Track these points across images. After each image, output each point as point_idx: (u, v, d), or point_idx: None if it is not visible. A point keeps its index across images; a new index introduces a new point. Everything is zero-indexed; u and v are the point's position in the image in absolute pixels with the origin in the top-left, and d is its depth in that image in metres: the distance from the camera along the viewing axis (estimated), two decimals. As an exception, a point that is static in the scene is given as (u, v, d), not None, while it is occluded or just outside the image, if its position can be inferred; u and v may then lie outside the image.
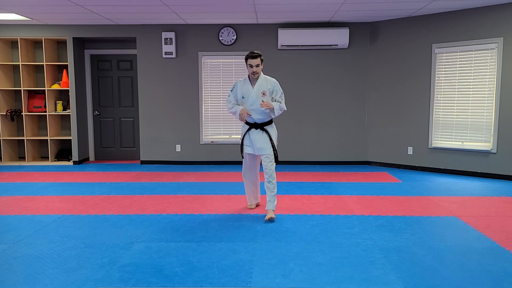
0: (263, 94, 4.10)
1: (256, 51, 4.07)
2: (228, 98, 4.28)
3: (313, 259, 3.15)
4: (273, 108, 4.06)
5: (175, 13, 6.22)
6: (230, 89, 4.27)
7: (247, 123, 4.21)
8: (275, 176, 4.17)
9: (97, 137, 7.87)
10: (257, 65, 4.04)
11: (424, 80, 6.51)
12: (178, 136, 7.37)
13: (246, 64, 4.09)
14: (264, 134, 4.15)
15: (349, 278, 2.84)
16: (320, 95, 7.18)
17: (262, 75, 4.17)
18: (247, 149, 4.23)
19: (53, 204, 4.73)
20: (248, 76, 4.17)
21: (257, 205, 4.60)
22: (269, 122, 4.20)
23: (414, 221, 4.06)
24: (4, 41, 7.29)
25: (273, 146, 4.14)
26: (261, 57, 4.08)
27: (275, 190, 4.17)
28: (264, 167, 4.16)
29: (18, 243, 3.50)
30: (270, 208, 4.15)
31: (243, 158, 4.33)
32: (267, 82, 4.15)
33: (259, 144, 4.13)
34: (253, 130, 4.17)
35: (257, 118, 4.14)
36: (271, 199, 4.16)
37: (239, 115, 4.13)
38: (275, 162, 4.17)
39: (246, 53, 3.93)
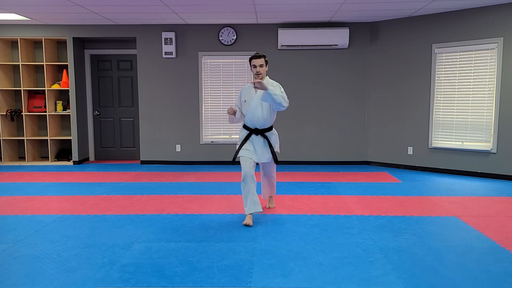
0: None
1: (260, 52, 4.03)
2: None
3: (313, 259, 3.15)
4: (267, 89, 3.75)
5: (175, 13, 6.22)
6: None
7: (246, 128, 4.10)
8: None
9: (97, 137, 7.87)
10: (261, 65, 3.95)
11: (424, 80, 6.50)
12: (178, 136, 7.37)
13: (250, 65, 4.02)
14: (265, 141, 4.07)
15: (349, 278, 2.84)
16: (320, 95, 7.18)
17: (267, 78, 4.05)
18: (246, 153, 3.99)
19: (53, 204, 4.73)
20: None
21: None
22: (270, 129, 4.11)
23: (414, 221, 4.06)
24: (4, 41, 7.29)
25: (272, 152, 4.08)
26: (266, 58, 4.00)
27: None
28: (267, 171, 4.33)
29: (18, 243, 3.49)
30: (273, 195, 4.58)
31: (233, 160, 4.12)
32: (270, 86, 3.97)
33: (261, 152, 4.05)
34: (254, 136, 4.06)
35: (258, 124, 4.03)
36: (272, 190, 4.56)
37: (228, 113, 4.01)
38: (275, 163, 4.24)
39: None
